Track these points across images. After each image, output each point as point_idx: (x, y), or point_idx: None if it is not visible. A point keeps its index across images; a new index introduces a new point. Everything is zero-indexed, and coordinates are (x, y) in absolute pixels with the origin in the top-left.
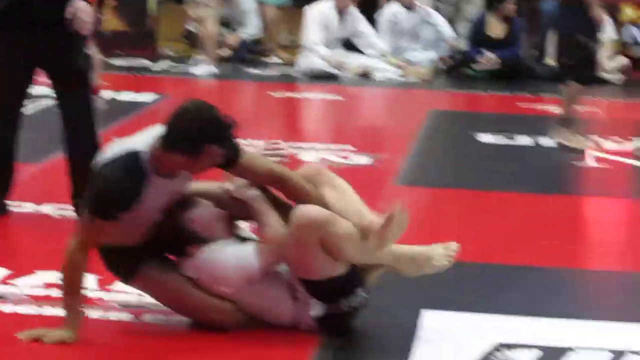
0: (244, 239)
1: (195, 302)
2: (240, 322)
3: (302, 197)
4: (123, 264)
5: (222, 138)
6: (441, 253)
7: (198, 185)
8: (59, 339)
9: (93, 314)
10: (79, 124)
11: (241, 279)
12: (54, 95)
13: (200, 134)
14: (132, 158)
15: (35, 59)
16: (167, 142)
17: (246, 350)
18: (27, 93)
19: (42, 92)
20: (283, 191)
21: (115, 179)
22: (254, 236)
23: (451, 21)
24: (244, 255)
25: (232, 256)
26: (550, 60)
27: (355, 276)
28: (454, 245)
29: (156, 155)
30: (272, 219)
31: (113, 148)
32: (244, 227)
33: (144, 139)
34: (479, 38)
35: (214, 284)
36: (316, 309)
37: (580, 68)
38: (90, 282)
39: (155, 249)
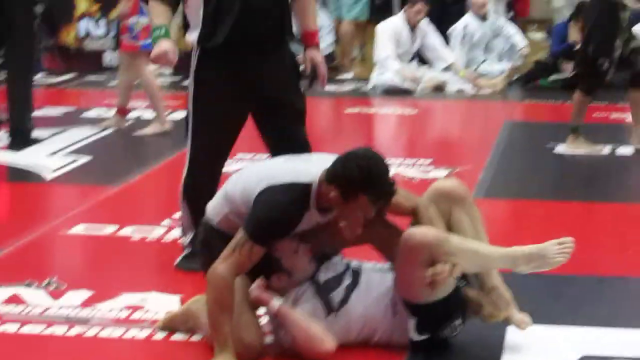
0: (324, 286)
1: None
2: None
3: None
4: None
5: (377, 196)
6: (555, 250)
7: None
8: None
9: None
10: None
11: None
12: (267, 133)
13: (360, 181)
14: (302, 191)
15: (248, 91)
16: (330, 175)
17: None
18: (237, 132)
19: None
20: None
21: (283, 210)
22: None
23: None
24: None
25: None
26: None
27: (455, 305)
28: (568, 240)
29: (319, 186)
30: (309, 326)
31: (284, 169)
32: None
33: (316, 167)
34: (561, 48)
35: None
36: (414, 330)
37: (585, 78)
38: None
39: None
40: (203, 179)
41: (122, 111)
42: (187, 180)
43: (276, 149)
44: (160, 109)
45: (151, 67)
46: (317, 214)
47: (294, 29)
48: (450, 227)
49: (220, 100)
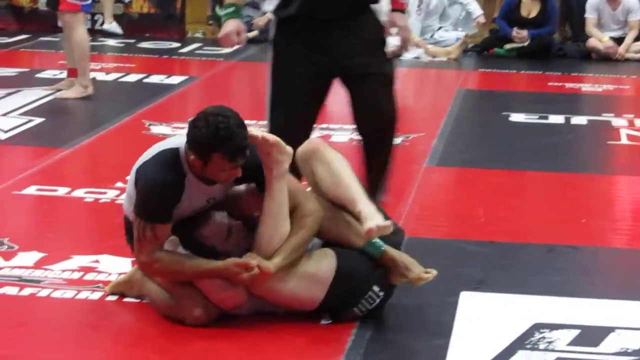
0: None
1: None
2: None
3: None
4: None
5: (229, 152)
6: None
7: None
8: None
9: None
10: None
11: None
12: (350, 102)
13: (207, 141)
14: (170, 156)
15: (324, 60)
16: (187, 142)
17: (284, 328)
18: (318, 108)
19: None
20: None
21: (159, 180)
22: None
23: None
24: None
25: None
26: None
27: (361, 281)
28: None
29: (185, 153)
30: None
31: (152, 148)
32: None
33: (180, 139)
34: (512, 17)
35: None
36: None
37: None
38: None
39: None
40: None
41: (73, 73)
42: None
43: (357, 119)
44: (85, 72)
45: (84, 30)
46: (198, 181)
47: None
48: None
49: (297, 69)
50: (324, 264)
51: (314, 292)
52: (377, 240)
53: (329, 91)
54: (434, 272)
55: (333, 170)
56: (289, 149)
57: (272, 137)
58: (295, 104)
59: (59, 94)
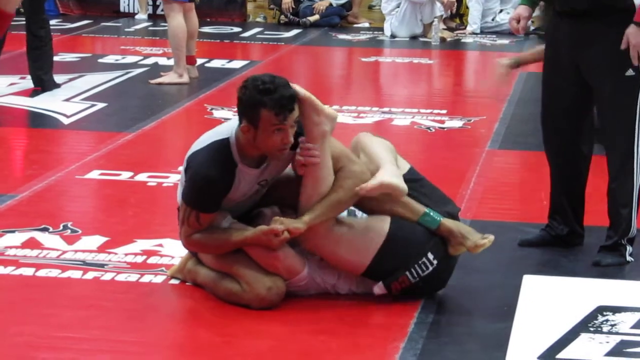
0: None
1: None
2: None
3: None
4: None
5: (274, 103)
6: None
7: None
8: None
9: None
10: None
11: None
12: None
13: (252, 99)
14: (219, 147)
15: (564, 61)
16: (238, 114)
17: (347, 312)
18: (581, 107)
19: (130, 61)
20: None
21: (207, 172)
22: None
23: None
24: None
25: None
26: None
27: (414, 245)
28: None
29: (238, 137)
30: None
31: (203, 136)
32: None
33: (231, 124)
34: None
35: None
36: (379, 287)
37: None
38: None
39: None
40: (552, 158)
41: (190, 60)
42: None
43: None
44: (179, 60)
45: (179, 20)
46: (248, 169)
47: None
48: None
49: (545, 68)
50: (377, 225)
51: (365, 249)
52: (434, 212)
53: (579, 98)
54: (491, 238)
55: (368, 152)
56: (329, 110)
57: (305, 93)
58: (547, 106)
59: (154, 80)
